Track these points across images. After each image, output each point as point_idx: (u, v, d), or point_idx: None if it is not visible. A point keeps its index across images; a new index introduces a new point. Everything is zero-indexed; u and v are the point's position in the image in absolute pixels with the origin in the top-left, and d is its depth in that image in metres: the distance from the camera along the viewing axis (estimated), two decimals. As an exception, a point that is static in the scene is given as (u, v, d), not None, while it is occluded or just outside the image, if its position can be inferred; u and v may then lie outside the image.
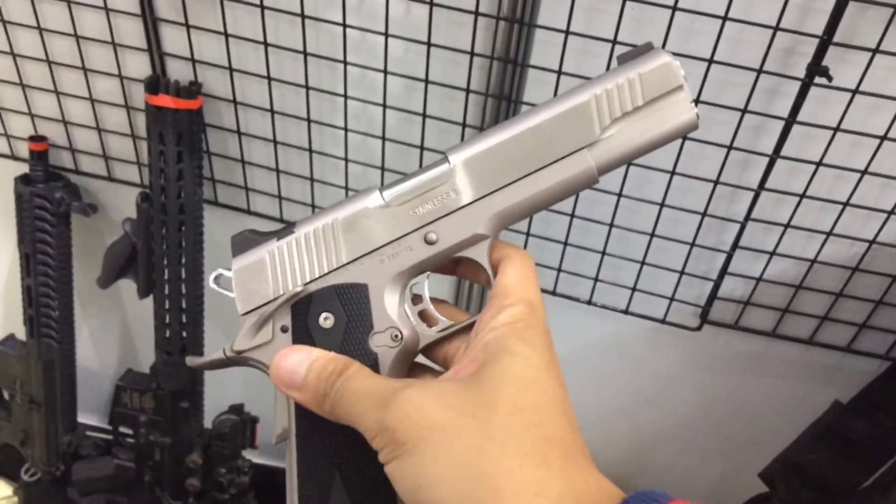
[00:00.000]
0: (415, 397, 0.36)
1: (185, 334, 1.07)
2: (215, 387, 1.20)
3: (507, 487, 0.33)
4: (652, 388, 1.18)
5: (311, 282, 0.43)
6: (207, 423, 1.18)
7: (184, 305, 1.06)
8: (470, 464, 0.34)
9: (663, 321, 1.04)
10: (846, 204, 0.89)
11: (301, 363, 0.40)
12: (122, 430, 1.19)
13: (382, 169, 0.98)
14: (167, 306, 1.05)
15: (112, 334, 1.30)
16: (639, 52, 0.43)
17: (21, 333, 1.16)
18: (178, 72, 0.96)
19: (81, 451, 1.23)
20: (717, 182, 0.89)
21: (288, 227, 0.44)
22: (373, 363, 0.42)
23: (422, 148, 0.95)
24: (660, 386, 1.18)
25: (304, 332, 0.43)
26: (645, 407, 1.20)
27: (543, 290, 0.96)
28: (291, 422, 0.43)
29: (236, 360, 0.44)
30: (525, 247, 0.97)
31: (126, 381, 1.15)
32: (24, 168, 1.06)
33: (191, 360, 0.46)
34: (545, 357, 0.38)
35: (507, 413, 0.35)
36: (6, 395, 1.22)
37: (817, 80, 0.79)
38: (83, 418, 1.27)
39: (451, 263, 0.45)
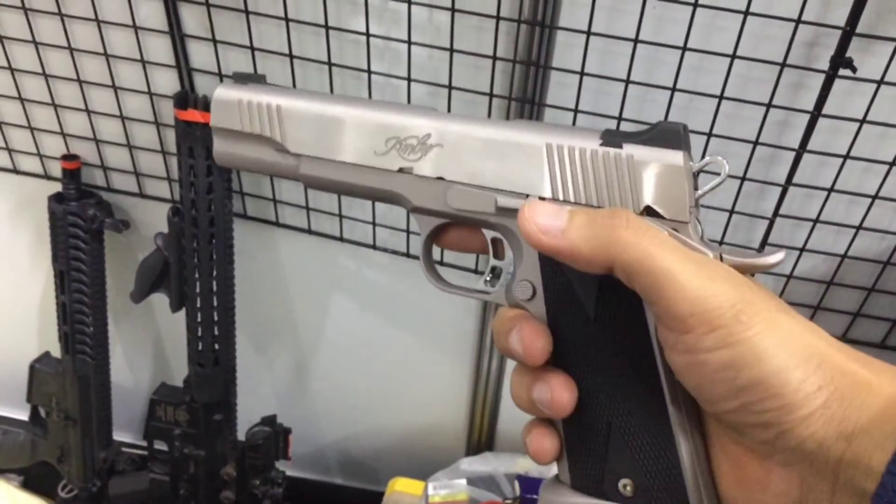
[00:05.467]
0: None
1: (217, 346, 1.08)
2: (248, 398, 1.21)
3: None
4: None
5: None
6: (241, 435, 1.19)
7: (216, 318, 1.07)
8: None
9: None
10: (875, 197, 0.88)
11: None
12: (157, 446, 1.20)
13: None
14: (199, 319, 1.07)
15: (145, 348, 1.32)
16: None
17: (56, 351, 1.17)
18: (207, 86, 0.98)
19: (117, 467, 1.24)
20: (743, 178, 0.89)
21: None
22: None
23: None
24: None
25: None
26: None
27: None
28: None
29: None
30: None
31: (160, 394, 1.16)
32: (57, 187, 1.08)
33: None
34: None
35: None
36: (42, 413, 1.24)
37: (842, 72, 0.78)
38: (118, 435, 1.28)
39: None
